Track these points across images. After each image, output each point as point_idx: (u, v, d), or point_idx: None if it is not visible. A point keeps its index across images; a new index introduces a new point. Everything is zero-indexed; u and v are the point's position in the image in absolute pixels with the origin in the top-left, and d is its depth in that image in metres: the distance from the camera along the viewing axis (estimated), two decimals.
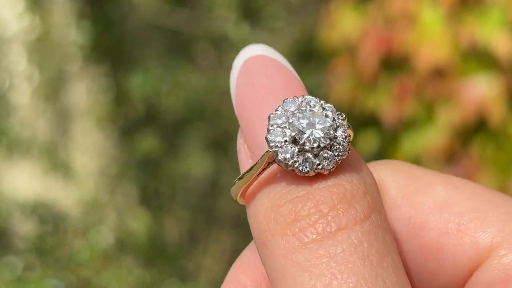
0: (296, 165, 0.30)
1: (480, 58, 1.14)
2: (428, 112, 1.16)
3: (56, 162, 1.89)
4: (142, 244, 1.85)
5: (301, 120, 0.30)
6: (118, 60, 2.02)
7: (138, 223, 1.89)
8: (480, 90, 1.12)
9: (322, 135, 0.29)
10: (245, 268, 0.36)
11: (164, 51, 2.06)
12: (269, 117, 0.30)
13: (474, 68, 1.14)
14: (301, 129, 0.30)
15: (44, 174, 1.89)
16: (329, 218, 0.28)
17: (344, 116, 0.31)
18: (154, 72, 1.92)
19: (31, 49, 2.00)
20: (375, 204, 0.29)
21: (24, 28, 2.00)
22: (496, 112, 1.11)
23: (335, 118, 0.30)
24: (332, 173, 0.30)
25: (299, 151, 0.30)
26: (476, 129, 1.14)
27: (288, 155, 0.30)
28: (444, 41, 1.13)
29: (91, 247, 1.79)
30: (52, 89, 1.99)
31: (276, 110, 0.30)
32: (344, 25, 1.25)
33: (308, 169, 0.29)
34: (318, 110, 0.30)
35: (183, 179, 1.98)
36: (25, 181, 1.91)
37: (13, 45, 2.00)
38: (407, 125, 1.18)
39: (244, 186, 0.31)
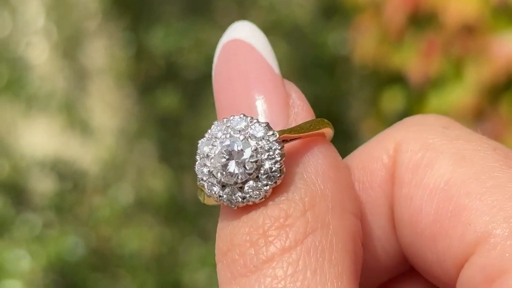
0: (222, 200, 0.27)
1: (511, 14, 1.11)
2: (456, 69, 1.14)
3: (75, 119, 1.88)
4: (162, 202, 1.85)
5: (218, 152, 0.27)
6: (138, 15, 2.00)
7: (158, 181, 1.89)
8: (510, 46, 1.10)
9: (240, 169, 0.27)
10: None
11: (185, 7, 2.03)
12: (198, 144, 0.28)
13: (505, 24, 1.11)
14: (215, 164, 0.27)
15: (63, 131, 1.89)
16: (257, 248, 0.26)
17: (277, 135, 0.27)
18: (175, 27, 1.90)
19: (49, 6, 1.98)
20: (317, 221, 0.26)
21: None
22: None
23: (262, 143, 0.27)
24: (274, 191, 0.27)
25: (222, 186, 0.27)
26: (505, 86, 1.12)
27: (214, 189, 0.27)
28: None
29: (111, 204, 1.79)
30: (71, 46, 1.98)
31: (204, 136, 0.28)
32: None
33: (234, 204, 0.27)
34: (242, 135, 0.27)
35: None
36: (44, 138, 1.90)
37: (31, 2, 1.98)
38: (434, 83, 1.15)
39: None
